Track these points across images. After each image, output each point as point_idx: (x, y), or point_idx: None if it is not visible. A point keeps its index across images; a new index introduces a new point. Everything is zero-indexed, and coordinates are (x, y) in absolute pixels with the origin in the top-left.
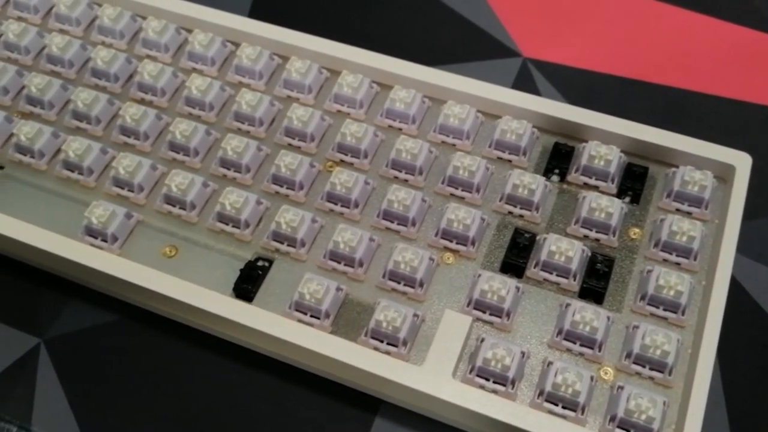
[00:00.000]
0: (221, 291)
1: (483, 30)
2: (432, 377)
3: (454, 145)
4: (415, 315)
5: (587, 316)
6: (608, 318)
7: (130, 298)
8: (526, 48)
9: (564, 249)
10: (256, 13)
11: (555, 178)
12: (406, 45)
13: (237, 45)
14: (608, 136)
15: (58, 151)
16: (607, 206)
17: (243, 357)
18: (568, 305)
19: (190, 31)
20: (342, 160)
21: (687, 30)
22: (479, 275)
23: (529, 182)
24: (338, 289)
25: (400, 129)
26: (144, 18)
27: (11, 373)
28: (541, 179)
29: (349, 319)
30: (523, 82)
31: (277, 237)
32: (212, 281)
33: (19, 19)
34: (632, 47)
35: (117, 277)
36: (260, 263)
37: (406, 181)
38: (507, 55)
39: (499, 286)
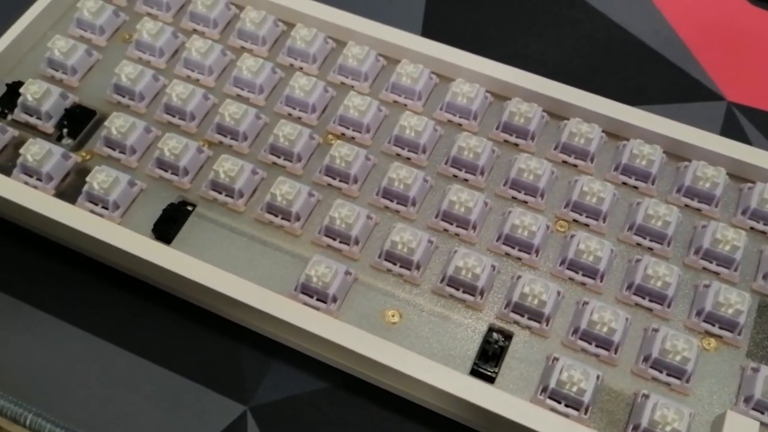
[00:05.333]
0: (452, 365)
1: (680, 68)
2: None
3: (699, 210)
4: (690, 414)
5: None
6: None
7: (343, 365)
8: (730, 91)
9: None
10: (428, 32)
11: None
12: (598, 81)
13: None
14: None
15: (255, 190)
16: None
17: None
18: None
19: (395, 61)
20: (576, 220)
21: None
22: (753, 369)
23: None
24: (598, 377)
25: (638, 187)
26: (344, 43)
27: None
28: None
29: (605, 410)
30: (732, 130)
31: (519, 309)
32: (441, 353)
33: (194, 31)
34: None
35: (334, 342)
36: (496, 336)
37: (651, 249)
38: (709, 98)
39: None
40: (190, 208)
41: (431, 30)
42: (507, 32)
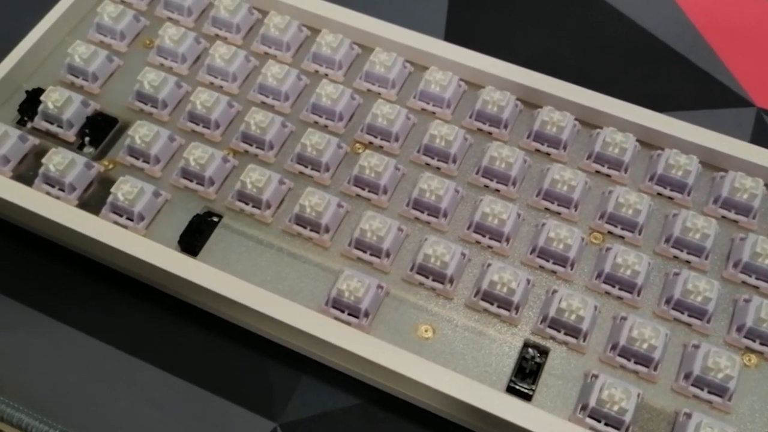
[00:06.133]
0: (487, 382)
1: (707, 73)
2: None
3: (736, 221)
4: None
5: None
6: None
7: (375, 381)
8: (759, 97)
9: None
10: (451, 35)
11: None
12: (626, 86)
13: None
14: None
15: (282, 200)
16: None
17: None
18: None
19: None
20: (610, 232)
21: None
22: None
23: None
24: (638, 395)
25: (673, 198)
26: (369, 48)
27: None
28: None
29: (646, 430)
30: (762, 137)
31: (556, 324)
32: (476, 370)
33: (217, 36)
34: None
35: (367, 359)
36: (532, 352)
37: (688, 262)
38: (738, 104)
39: None
40: (215, 219)
41: (454, 33)
42: (530, 36)
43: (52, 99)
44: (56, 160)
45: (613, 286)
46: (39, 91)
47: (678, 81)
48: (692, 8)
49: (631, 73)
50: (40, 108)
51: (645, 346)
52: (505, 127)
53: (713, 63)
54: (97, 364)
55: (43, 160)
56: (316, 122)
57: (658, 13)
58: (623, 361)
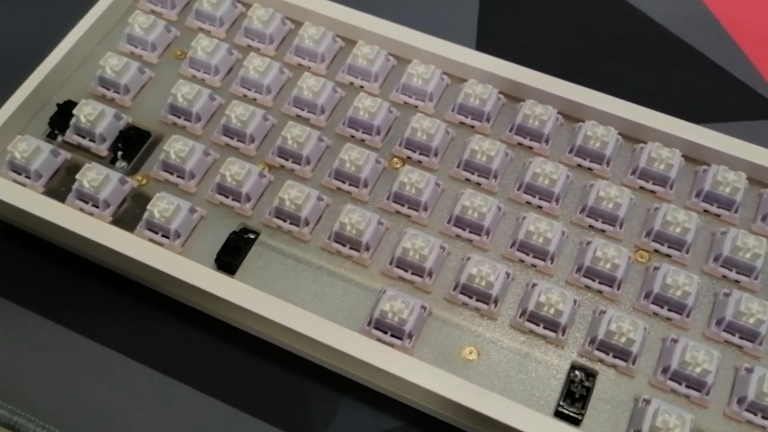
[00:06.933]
0: (534, 406)
1: (746, 84)
2: None
3: None
4: None
5: None
6: None
7: (417, 403)
8: None
9: None
10: (482, 44)
11: None
12: (663, 97)
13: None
14: None
15: (320, 217)
16: None
17: None
18: None
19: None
20: (657, 250)
21: None
22: None
23: None
24: (691, 421)
25: (720, 215)
26: (405, 60)
27: None
28: None
29: None
30: None
31: (604, 346)
32: (523, 393)
33: (249, 47)
34: None
35: (411, 382)
36: (579, 375)
37: (737, 281)
38: None
39: None
40: (252, 236)
41: (486, 41)
42: (562, 44)
43: (84, 112)
44: (90, 176)
45: (662, 307)
46: (70, 104)
47: (715, 92)
48: (728, 18)
49: (667, 84)
50: (73, 121)
51: (698, 370)
52: (547, 141)
53: (751, 74)
54: (132, 385)
55: (78, 176)
56: (352, 136)
57: (692, 21)
58: (674, 385)
